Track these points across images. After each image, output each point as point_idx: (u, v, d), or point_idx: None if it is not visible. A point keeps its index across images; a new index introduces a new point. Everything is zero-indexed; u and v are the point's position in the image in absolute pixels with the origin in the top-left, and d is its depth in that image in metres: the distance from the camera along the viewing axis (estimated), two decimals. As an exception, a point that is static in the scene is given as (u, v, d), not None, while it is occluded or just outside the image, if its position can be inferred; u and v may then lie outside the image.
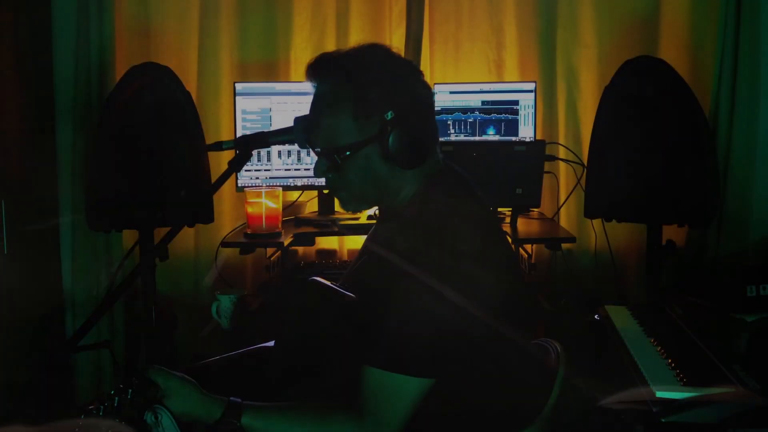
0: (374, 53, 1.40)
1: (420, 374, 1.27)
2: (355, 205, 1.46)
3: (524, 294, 1.45)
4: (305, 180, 2.69)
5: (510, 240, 2.37)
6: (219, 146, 1.47)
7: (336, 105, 1.36)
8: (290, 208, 2.77)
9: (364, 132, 1.35)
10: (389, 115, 1.33)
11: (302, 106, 2.66)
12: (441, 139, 1.57)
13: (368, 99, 1.34)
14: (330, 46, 2.83)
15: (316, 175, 1.43)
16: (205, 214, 2.37)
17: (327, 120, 1.37)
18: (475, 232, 1.36)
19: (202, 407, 1.30)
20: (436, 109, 1.49)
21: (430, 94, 1.43)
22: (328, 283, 1.49)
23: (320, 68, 1.39)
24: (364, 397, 1.30)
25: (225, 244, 2.46)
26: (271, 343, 1.63)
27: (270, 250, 2.58)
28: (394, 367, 1.27)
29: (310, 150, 1.45)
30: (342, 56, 1.39)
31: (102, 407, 1.22)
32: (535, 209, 2.76)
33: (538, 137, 2.78)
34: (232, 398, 1.32)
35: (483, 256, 1.31)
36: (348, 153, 1.36)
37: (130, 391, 1.25)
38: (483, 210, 1.45)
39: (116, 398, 1.24)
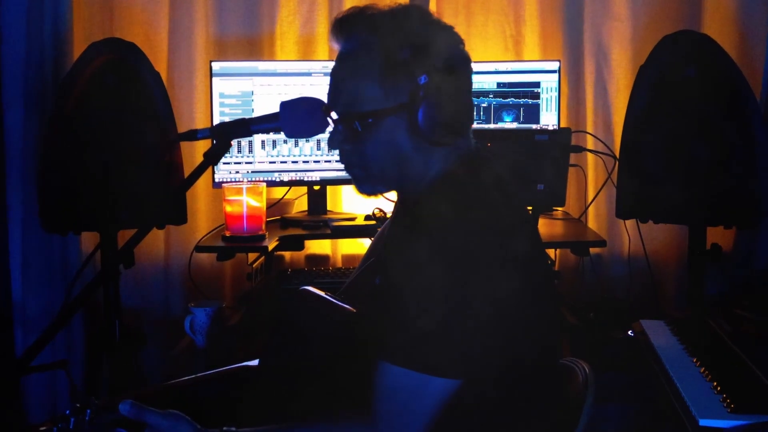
0: (410, 13, 1.41)
1: (445, 374, 1.26)
2: (371, 185, 1.46)
3: (556, 306, 1.45)
4: (293, 174, 2.69)
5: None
6: (193, 135, 1.47)
7: (361, 66, 1.37)
8: (275, 206, 2.77)
9: (390, 99, 1.36)
10: (422, 80, 1.34)
11: (288, 88, 2.66)
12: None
13: (399, 62, 1.35)
14: (321, 19, 2.83)
15: (331, 146, 1.44)
16: (177, 214, 2.37)
17: (350, 82, 1.39)
18: (518, 225, 1.37)
19: None
20: None
21: (468, 66, 1.44)
22: (322, 293, 1.49)
23: (348, 24, 1.41)
24: (377, 399, 1.29)
25: (200, 248, 2.46)
26: (255, 362, 1.62)
27: (252, 256, 2.58)
28: (416, 364, 1.25)
29: (301, 138, 1.45)
30: (374, 13, 1.41)
31: (55, 429, 1.21)
32: (560, 208, 2.77)
33: (562, 125, 2.79)
34: (225, 428, 1.32)
35: (523, 254, 1.32)
36: (370, 120, 1.36)
37: (88, 411, 1.24)
38: (521, 204, 1.46)
39: (72, 419, 1.23)
